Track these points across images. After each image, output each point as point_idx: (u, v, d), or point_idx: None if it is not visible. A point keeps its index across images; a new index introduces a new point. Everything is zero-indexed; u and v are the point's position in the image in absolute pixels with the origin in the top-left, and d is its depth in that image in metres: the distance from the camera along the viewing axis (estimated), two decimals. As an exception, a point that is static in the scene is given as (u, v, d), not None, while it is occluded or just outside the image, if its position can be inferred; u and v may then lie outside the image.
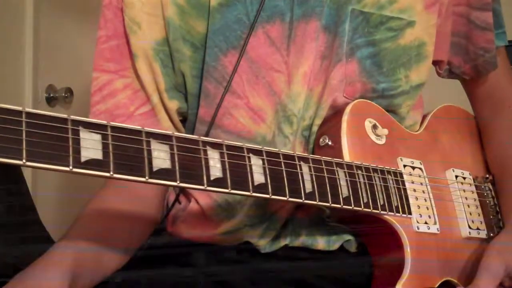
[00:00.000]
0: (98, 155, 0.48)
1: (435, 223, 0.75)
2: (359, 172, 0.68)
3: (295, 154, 0.63)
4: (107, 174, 0.48)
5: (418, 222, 0.73)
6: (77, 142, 0.47)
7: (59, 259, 0.62)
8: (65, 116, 0.48)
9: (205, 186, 0.54)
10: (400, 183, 0.73)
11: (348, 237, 0.78)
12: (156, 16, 0.75)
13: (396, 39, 0.78)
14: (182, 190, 0.84)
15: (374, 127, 0.75)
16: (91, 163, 0.48)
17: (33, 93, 1.55)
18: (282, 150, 0.62)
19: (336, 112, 0.76)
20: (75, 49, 1.60)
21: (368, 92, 0.78)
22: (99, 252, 0.68)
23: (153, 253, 0.79)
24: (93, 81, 0.78)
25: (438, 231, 0.75)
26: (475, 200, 0.83)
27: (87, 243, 0.66)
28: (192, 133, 0.80)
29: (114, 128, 0.50)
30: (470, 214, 0.81)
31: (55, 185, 1.56)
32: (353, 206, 0.66)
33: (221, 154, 0.56)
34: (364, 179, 0.68)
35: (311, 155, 0.65)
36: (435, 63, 0.89)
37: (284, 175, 0.61)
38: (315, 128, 0.76)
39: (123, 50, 0.77)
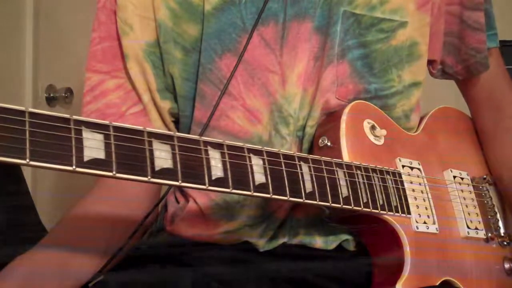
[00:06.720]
0: (100, 154, 0.49)
1: (434, 223, 0.75)
2: (358, 172, 0.69)
3: (295, 154, 0.63)
4: (109, 174, 0.49)
5: (417, 222, 0.73)
6: (79, 141, 0.48)
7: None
8: (67, 116, 0.48)
9: (207, 185, 0.55)
10: (399, 183, 0.73)
11: (346, 236, 0.79)
12: (148, 18, 0.76)
13: (388, 40, 0.78)
14: (181, 190, 0.84)
15: (373, 128, 0.76)
16: (94, 163, 0.48)
17: (33, 93, 1.55)
18: (282, 150, 0.62)
19: (335, 113, 0.76)
20: (75, 49, 1.60)
21: (361, 93, 0.78)
22: (67, 258, 0.68)
23: (152, 252, 0.80)
24: (85, 82, 0.79)
25: (437, 231, 0.75)
26: (473, 200, 0.83)
27: (59, 247, 0.67)
28: None
29: (116, 128, 0.50)
30: (469, 214, 0.81)
31: (55, 185, 1.56)
32: (352, 206, 0.66)
33: (222, 154, 0.57)
34: (363, 179, 0.69)
35: (310, 155, 0.65)
36: (429, 62, 0.88)
37: (285, 175, 0.61)
38: (308, 129, 0.77)
39: (116, 51, 0.78)
